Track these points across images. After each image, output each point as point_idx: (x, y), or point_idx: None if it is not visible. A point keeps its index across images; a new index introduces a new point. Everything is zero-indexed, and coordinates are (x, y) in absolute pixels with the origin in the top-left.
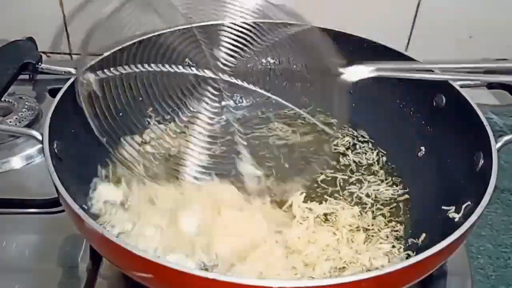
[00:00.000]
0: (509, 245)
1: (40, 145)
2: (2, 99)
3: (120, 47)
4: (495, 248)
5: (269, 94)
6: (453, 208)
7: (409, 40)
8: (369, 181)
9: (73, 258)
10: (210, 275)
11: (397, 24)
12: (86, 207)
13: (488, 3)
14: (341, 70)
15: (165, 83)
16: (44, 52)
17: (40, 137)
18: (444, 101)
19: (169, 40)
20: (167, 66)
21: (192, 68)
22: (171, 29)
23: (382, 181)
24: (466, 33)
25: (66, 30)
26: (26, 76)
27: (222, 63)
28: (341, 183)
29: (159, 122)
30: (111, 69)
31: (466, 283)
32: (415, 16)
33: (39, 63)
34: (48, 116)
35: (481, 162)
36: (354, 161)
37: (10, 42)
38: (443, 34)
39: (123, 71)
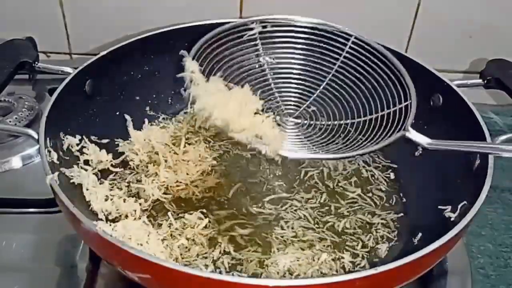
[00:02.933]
0: (509, 245)
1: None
2: (2, 98)
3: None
4: (495, 248)
5: None
6: (449, 207)
7: (409, 40)
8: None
9: (72, 258)
10: (207, 274)
11: (397, 25)
12: None
13: (488, 3)
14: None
15: None
16: (44, 52)
17: (36, 136)
18: (441, 101)
19: None
20: None
21: None
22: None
23: (378, 181)
24: (466, 33)
25: (66, 30)
26: (26, 76)
27: None
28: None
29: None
30: None
31: (466, 282)
32: (415, 16)
33: (36, 62)
34: (44, 115)
35: (477, 161)
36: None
37: (6, 41)
38: (443, 34)
39: None
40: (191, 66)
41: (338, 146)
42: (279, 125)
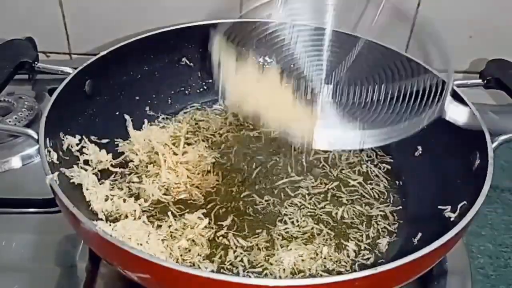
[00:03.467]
0: (509, 245)
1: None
2: (2, 98)
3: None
4: (495, 248)
5: None
6: (449, 207)
7: (409, 40)
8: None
9: (72, 258)
10: (207, 274)
11: (397, 24)
12: None
13: (488, 3)
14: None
15: None
16: (44, 52)
17: (36, 136)
18: None
19: None
20: None
21: None
22: None
23: (378, 180)
24: (466, 33)
25: (66, 30)
26: (26, 76)
27: None
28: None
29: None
30: None
31: (466, 282)
32: (415, 16)
33: (36, 62)
34: (44, 115)
35: (477, 162)
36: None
37: (6, 41)
38: (443, 34)
39: None
40: (219, 45)
41: (378, 115)
42: (312, 92)
